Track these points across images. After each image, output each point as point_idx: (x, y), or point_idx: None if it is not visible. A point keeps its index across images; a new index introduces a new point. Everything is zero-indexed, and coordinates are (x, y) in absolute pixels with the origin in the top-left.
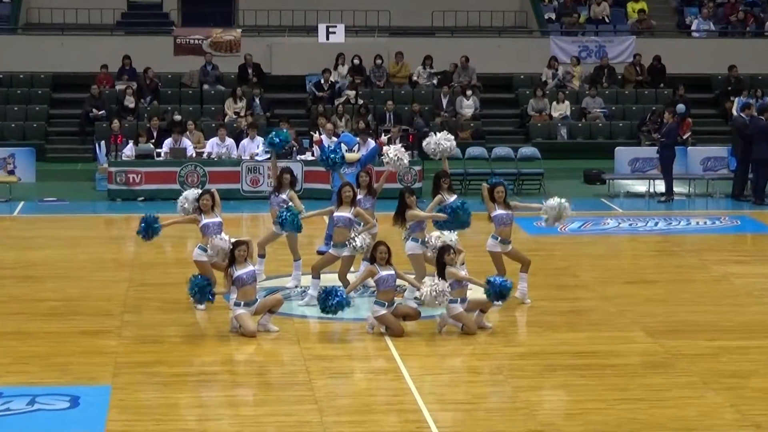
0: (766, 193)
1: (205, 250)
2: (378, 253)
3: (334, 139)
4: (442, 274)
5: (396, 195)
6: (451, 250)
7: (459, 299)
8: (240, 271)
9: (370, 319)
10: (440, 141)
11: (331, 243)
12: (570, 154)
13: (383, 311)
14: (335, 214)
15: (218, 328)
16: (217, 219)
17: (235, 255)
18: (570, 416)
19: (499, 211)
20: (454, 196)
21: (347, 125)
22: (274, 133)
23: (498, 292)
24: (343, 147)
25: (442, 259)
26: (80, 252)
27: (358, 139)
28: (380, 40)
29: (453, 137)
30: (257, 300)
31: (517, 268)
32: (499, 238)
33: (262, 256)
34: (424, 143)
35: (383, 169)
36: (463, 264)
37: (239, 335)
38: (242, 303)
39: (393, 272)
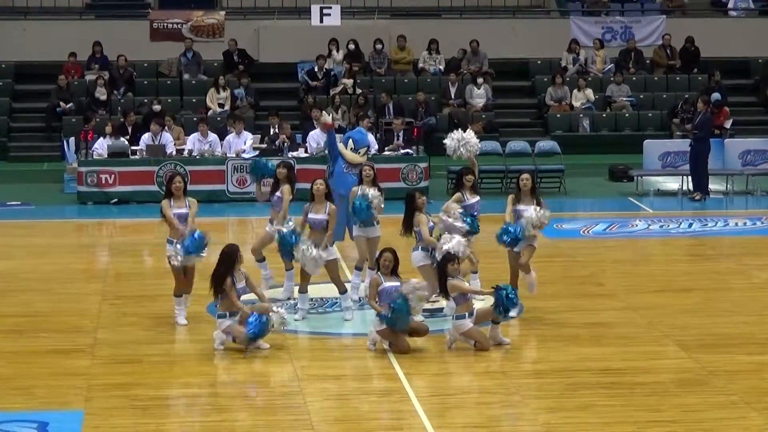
0: None
1: (172, 243)
2: (382, 261)
3: None
4: (444, 287)
5: (400, 195)
6: (456, 260)
7: (466, 314)
8: (240, 285)
9: (372, 335)
10: (468, 138)
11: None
12: (593, 148)
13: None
14: (309, 216)
15: (202, 346)
16: (184, 210)
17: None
18: None
19: (522, 205)
20: (477, 198)
21: (344, 118)
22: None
23: (504, 306)
24: (350, 144)
25: (445, 269)
26: (48, 262)
27: (369, 137)
28: (380, 22)
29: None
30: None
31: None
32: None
33: (261, 260)
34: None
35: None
36: (476, 272)
37: (225, 353)
38: (228, 314)
39: (398, 284)
